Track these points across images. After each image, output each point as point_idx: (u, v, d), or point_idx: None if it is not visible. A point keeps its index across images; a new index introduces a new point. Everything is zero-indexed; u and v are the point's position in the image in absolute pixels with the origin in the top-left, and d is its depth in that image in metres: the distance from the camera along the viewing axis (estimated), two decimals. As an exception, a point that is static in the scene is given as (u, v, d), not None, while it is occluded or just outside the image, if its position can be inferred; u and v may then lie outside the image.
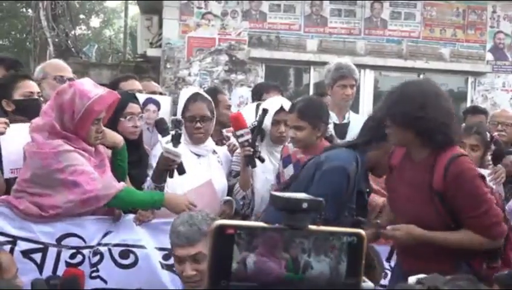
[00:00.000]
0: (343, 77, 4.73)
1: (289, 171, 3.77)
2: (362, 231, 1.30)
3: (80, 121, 3.16)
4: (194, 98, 3.86)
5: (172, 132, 3.50)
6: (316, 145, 3.71)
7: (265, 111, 3.87)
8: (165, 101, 4.52)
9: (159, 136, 3.64)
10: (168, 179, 3.54)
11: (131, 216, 3.46)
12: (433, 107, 2.97)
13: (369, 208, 3.99)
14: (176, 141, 3.43)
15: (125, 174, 3.53)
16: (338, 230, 1.30)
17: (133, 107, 3.73)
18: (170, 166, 3.47)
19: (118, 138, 3.51)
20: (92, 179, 3.14)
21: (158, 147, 3.73)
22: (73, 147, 3.17)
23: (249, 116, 4.14)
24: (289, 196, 1.30)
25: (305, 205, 1.27)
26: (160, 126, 3.65)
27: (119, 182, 3.34)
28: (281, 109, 3.96)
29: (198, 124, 3.77)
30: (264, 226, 1.27)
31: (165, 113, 4.46)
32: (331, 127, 4.14)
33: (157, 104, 4.42)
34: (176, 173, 3.50)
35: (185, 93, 3.96)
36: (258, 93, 5.14)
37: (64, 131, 3.18)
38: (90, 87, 3.26)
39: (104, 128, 3.35)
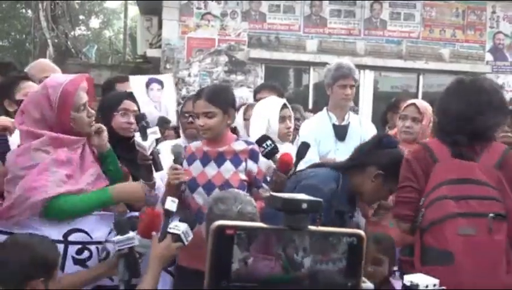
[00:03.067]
0: (343, 77, 4.69)
1: (197, 166, 3.52)
2: (362, 232, 1.31)
3: (60, 108, 3.06)
4: (191, 97, 4.05)
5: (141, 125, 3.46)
6: (223, 135, 3.54)
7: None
8: (168, 79, 4.59)
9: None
10: None
11: (134, 214, 3.37)
12: (487, 107, 3.01)
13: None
14: (143, 134, 3.37)
15: (118, 177, 3.37)
16: (338, 231, 1.30)
17: (127, 104, 3.68)
18: (145, 160, 3.43)
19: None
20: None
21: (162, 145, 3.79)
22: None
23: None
24: (288, 197, 1.30)
25: (304, 206, 1.27)
26: (138, 121, 3.60)
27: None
28: (285, 105, 4.01)
29: (191, 119, 3.87)
30: (264, 227, 1.28)
31: (168, 91, 4.54)
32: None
33: (161, 83, 4.49)
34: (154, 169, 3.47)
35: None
36: (254, 94, 5.17)
37: (49, 127, 3.09)
38: (59, 77, 3.24)
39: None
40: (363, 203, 3.71)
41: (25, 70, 4.39)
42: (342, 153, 4.56)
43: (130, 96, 3.83)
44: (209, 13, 10.92)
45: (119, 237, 2.93)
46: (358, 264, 1.30)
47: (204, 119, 3.45)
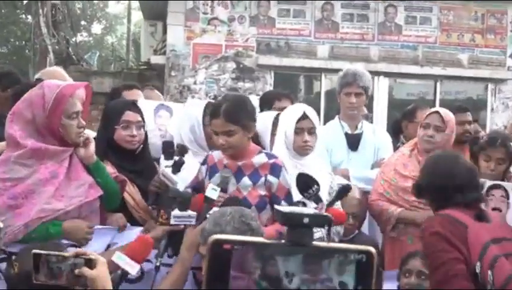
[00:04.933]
0: (347, 84, 4.68)
1: (216, 180, 3.47)
2: (372, 249, 1.30)
3: (52, 110, 3.13)
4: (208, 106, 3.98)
5: (176, 158, 3.54)
6: (246, 148, 3.50)
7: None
8: (178, 109, 4.53)
9: (162, 157, 3.65)
10: None
11: (138, 229, 3.40)
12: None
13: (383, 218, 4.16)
14: (176, 168, 3.49)
15: (109, 188, 3.37)
16: (345, 247, 1.30)
17: (129, 115, 3.63)
18: (160, 189, 3.52)
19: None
20: None
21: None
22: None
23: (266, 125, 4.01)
24: (289, 210, 1.33)
25: (306, 220, 1.27)
26: (166, 149, 3.68)
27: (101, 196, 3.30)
28: (303, 115, 3.77)
29: None
30: (265, 242, 1.30)
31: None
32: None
33: (170, 110, 4.46)
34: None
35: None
36: (269, 102, 4.92)
37: (37, 131, 3.18)
38: (59, 81, 3.36)
39: None
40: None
41: (36, 76, 4.57)
42: (355, 163, 4.64)
43: (133, 106, 3.78)
44: (215, 18, 10.88)
45: (178, 212, 3.04)
46: (368, 282, 1.29)
47: (225, 138, 3.43)
